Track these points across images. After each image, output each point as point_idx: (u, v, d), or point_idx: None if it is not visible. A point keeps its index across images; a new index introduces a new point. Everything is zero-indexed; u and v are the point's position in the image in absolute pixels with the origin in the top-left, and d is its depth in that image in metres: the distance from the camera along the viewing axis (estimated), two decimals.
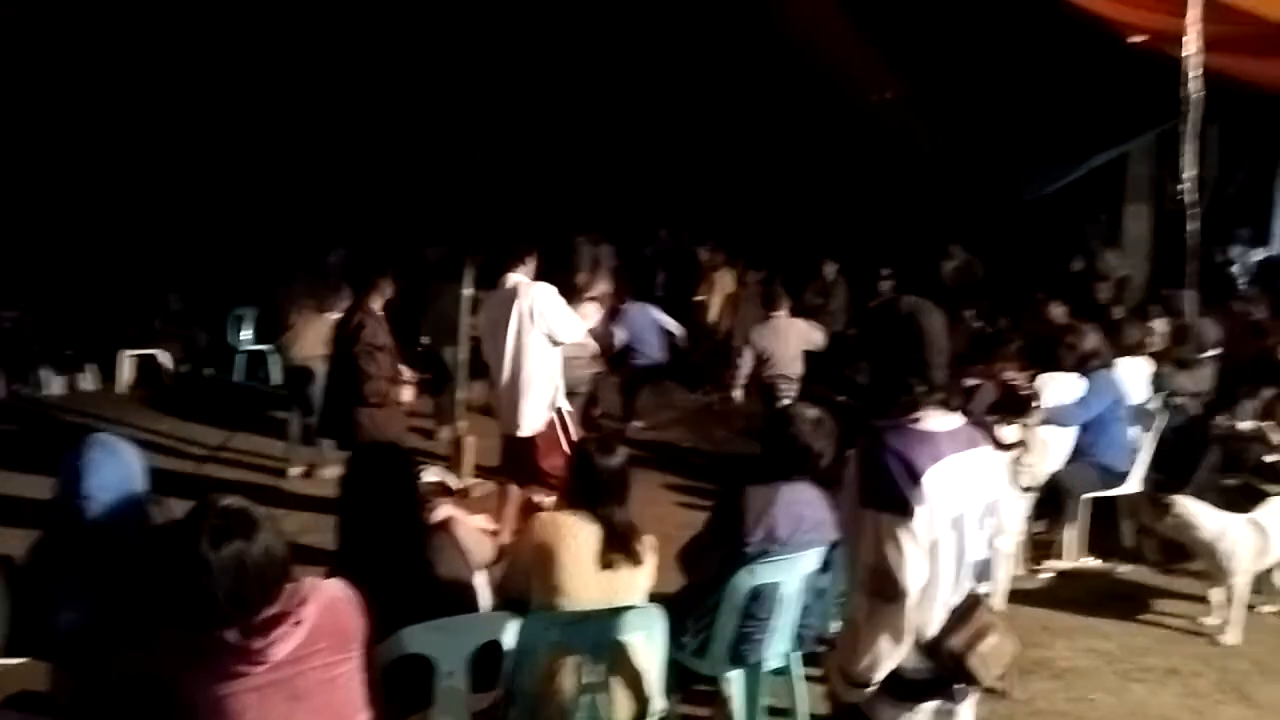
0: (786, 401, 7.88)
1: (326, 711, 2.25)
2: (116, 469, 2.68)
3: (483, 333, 5.66)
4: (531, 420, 5.36)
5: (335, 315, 6.53)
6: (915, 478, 2.03)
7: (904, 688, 2.16)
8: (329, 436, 6.00)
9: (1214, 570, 4.65)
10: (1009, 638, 2.16)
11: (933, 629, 2.12)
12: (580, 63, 12.12)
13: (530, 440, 5.38)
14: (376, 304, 5.72)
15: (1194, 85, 4.81)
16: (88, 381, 9.57)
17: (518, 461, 5.46)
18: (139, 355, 9.65)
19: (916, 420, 2.13)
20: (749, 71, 11.49)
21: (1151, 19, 5.76)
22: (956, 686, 2.16)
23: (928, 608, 2.10)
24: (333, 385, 5.69)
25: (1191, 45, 4.69)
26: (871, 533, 2.08)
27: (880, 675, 2.12)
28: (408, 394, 5.86)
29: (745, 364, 7.62)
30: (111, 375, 9.55)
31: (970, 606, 2.14)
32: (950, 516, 2.07)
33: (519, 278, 5.43)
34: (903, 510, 2.03)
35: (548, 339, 5.34)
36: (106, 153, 11.32)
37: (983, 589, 2.21)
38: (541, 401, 5.38)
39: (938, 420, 2.15)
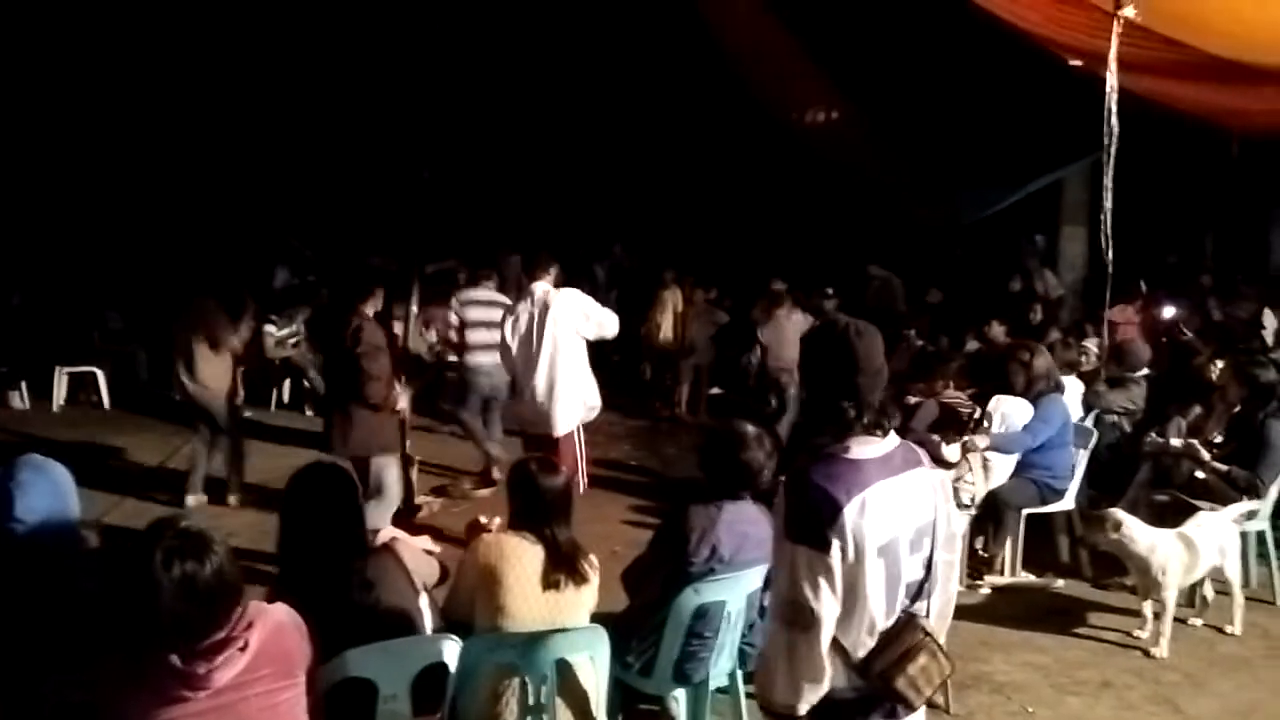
0: (790, 393, 8.03)
1: None
2: (48, 491, 2.61)
3: (509, 340, 5.80)
4: (569, 420, 5.72)
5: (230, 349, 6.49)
6: (835, 511, 2.04)
7: (837, 712, 2.13)
8: (328, 443, 5.65)
9: (1145, 584, 4.78)
10: (940, 658, 2.15)
11: (863, 651, 2.12)
12: (532, 82, 12.17)
13: (558, 440, 5.68)
14: (370, 310, 5.69)
15: (1115, 118, 4.96)
16: (19, 399, 9.32)
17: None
18: (75, 373, 9.42)
19: (846, 449, 2.13)
20: (695, 91, 11.62)
21: (1085, 42, 5.93)
22: (891, 707, 2.15)
23: (856, 634, 2.11)
24: (330, 389, 5.62)
25: (1113, 77, 4.83)
26: (789, 564, 2.09)
27: (802, 706, 2.10)
28: (404, 401, 5.82)
29: (755, 358, 8.29)
30: (45, 393, 9.31)
31: (901, 628, 2.14)
32: (878, 544, 2.07)
33: (545, 286, 5.76)
34: (819, 545, 2.04)
35: (582, 338, 5.73)
36: (45, 167, 11.11)
37: (919, 608, 2.20)
38: (578, 401, 5.75)
39: (868, 447, 2.15)
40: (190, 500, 6.51)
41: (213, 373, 6.47)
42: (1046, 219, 11.31)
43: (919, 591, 2.20)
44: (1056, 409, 5.49)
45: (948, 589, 2.32)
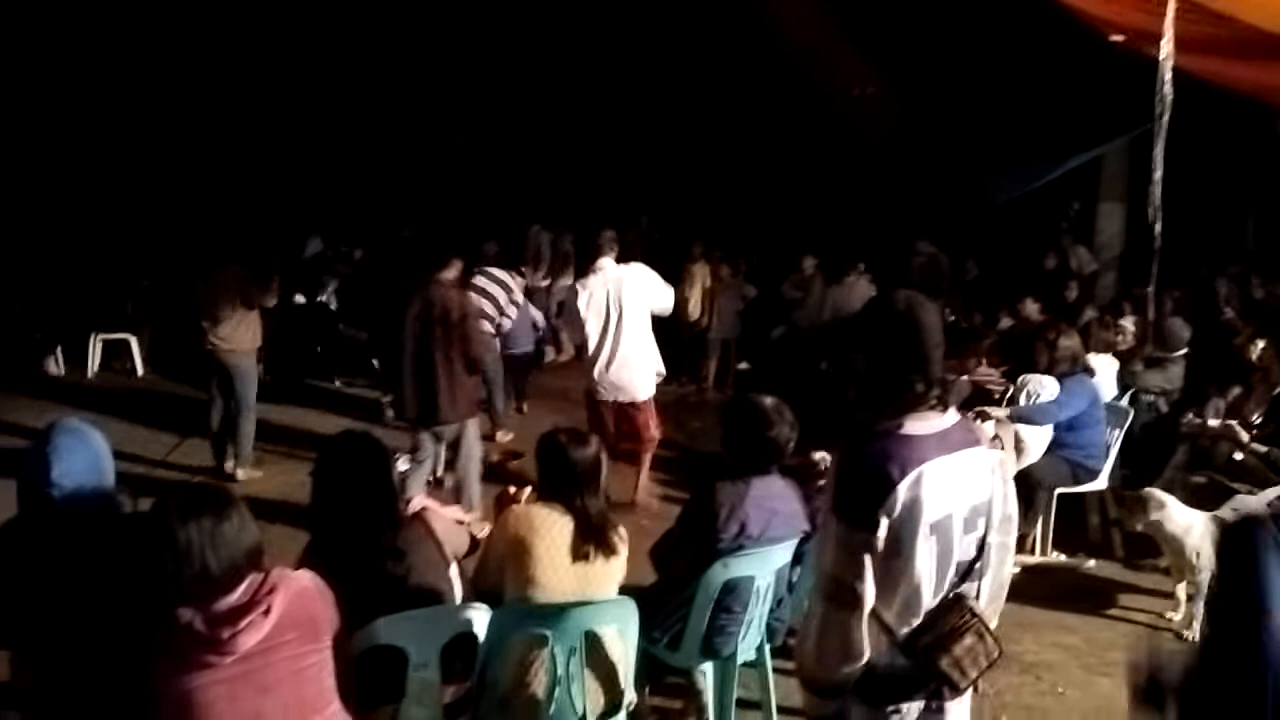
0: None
1: (296, 704, 2.23)
2: (84, 456, 2.63)
3: (584, 315, 6.02)
4: (648, 387, 6.16)
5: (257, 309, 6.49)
6: (887, 489, 2.01)
7: (880, 689, 2.12)
8: (421, 414, 5.61)
9: (1180, 565, 4.72)
10: (987, 640, 2.11)
11: (907, 628, 2.10)
12: (564, 54, 12.08)
13: (640, 406, 6.14)
14: (449, 276, 5.77)
15: (1168, 86, 4.84)
16: (56, 365, 9.44)
17: (623, 427, 6.15)
18: (109, 339, 9.52)
19: (900, 425, 2.09)
20: (731, 64, 11.49)
21: (1131, 17, 5.79)
22: (935, 687, 2.12)
23: (901, 610, 2.09)
24: (421, 360, 5.50)
25: (1167, 45, 4.71)
26: (835, 540, 2.08)
27: (841, 681, 2.09)
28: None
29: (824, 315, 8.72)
30: (81, 359, 9.42)
31: (949, 607, 2.11)
32: (930, 521, 2.04)
33: (609, 261, 6.08)
34: (865, 524, 2.02)
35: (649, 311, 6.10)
36: (83, 135, 11.20)
37: (969, 589, 2.16)
38: (653, 370, 6.19)
39: (925, 422, 2.11)
40: (227, 466, 6.60)
41: (238, 335, 6.46)
42: (1083, 195, 11.12)
43: (969, 572, 2.16)
44: (1083, 389, 5.43)
45: (1000, 573, 2.27)
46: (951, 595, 2.13)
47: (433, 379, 5.45)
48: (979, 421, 5.03)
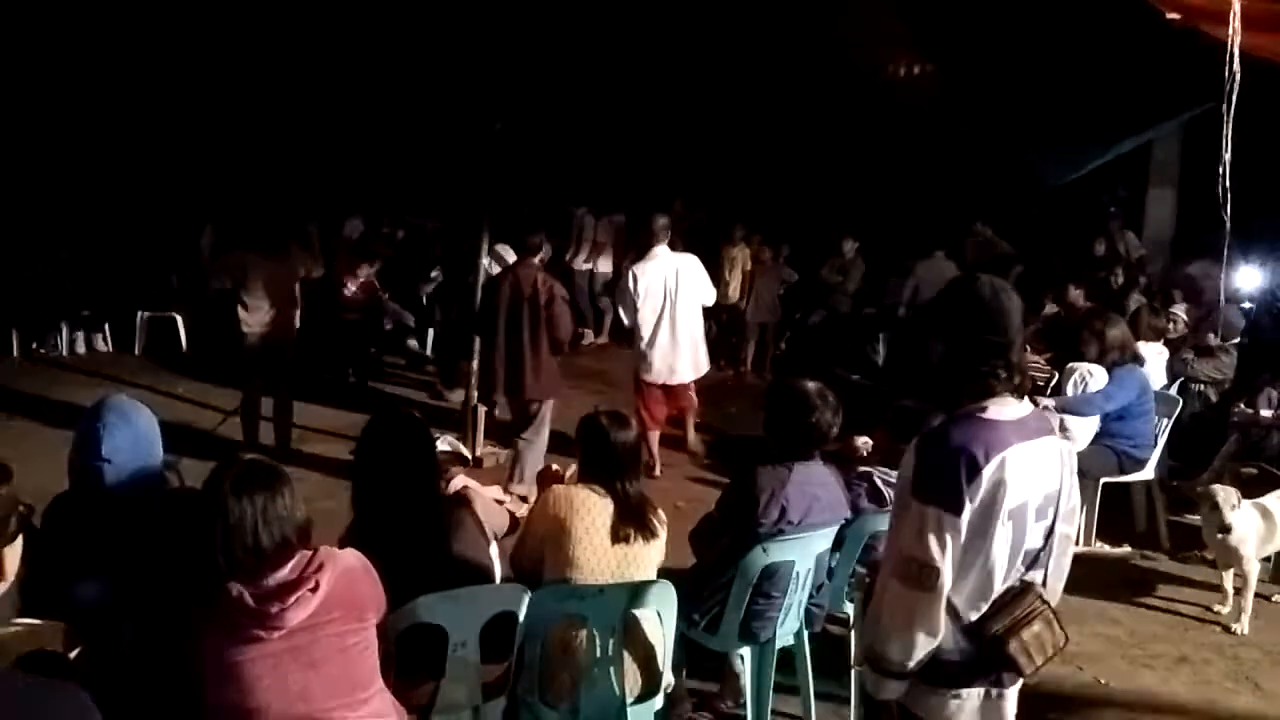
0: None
1: (342, 680, 2.26)
2: (133, 432, 2.66)
3: (640, 299, 6.32)
4: (696, 370, 6.55)
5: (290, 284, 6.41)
6: (973, 473, 2.01)
7: (943, 673, 2.12)
8: (508, 390, 5.87)
9: (1224, 555, 4.62)
10: (1055, 627, 2.12)
11: (974, 614, 2.10)
12: (601, 34, 12.03)
13: (687, 386, 6.56)
14: (539, 260, 5.95)
15: (1237, 64, 4.70)
16: (103, 342, 9.61)
17: (669, 406, 6.60)
18: (155, 317, 9.68)
19: (984, 409, 2.09)
20: (771, 44, 11.37)
21: None
22: (999, 673, 2.13)
23: (971, 596, 2.09)
24: (511, 338, 5.73)
25: (1235, 21, 4.56)
26: (916, 523, 2.06)
27: (913, 664, 2.09)
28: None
29: (906, 292, 8.88)
30: (128, 337, 9.58)
31: (1019, 593, 2.11)
32: (1009, 508, 2.04)
33: (664, 248, 6.40)
34: (952, 507, 2.02)
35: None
36: (133, 116, 11.35)
37: (1034, 576, 2.17)
38: (703, 352, 6.60)
39: (1009, 408, 2.11)
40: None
41: (274, 318, 6.39)
42: (1132, 180, 10.90)
43: (1035, 560, 2.17)
44: (1132, 379, 5.32)
45: (1062, 562, 2.28)
46: (1019, 582, 2.14)
47: (520, 357, 5.68)
48: None
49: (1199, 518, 4.66)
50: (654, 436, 6.51)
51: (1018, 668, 2.10)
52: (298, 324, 6.62)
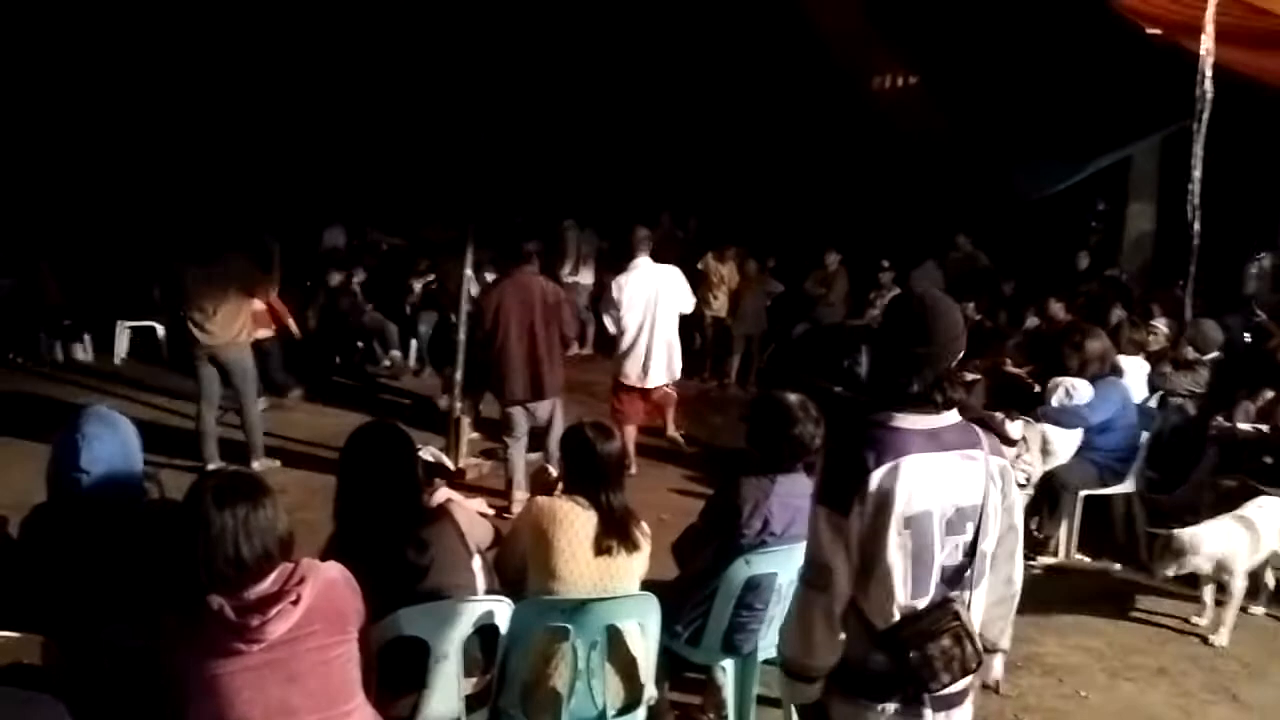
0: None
1: (322, 693, 2.24)
2: (113, 443, 2.65)
3: (625, 308, 6.56)
4: (674, 372, 6.84)
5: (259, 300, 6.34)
6: (860, 476, 2.04)
7: (860, 683, 2.14)
8: (531, 391, 5.95)
9: (1214, 571, 4.62)
10: (966, 645, 2.08)
11: (884, 623, 2.09)
12: (586, 48, 12.06)
13: (664, 388, 6.85)
14: (532, 270, 6.03)
15: (1209, 81, 4.76)
16: (83, 352, 9.54)
17: (647, 408, 6.92)
18: (136, 326, 9.61)
19: (890, 418, 2.10)
20: (755, 58, 11.44)
21: (1171, 9, 5.69)
22: (912, 688, 2.10)
23: (877, 603, 2.09)
24: (526, 342, 5.85)
25: (1208, 40, 4.63)
26: (813, 523, 2.13)
27: (814, 665, 2.14)
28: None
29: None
30: (108, 346, 9.52)
31: (934, 608, 2.09)
32: (903, 514, 2.04)
33: (646, 259, 6.62)
34: (839, 507, 2.07)
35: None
36: (113, 125, 11.29)
37: (961, 596, 2.13)
38: (678, 357, 6.84)
39: (915, 418, 2.10)
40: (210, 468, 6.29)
41: (232, 326, 6.26)
42: (1112, 195, 11.01)
43: (958, 579, 2.13)
44: (1114, 391, 5.36)
45: (1001, 584, 2.24)
46: (942, 599, 2.11)
47: (536, 358, 5.85)
48: (1007, 421, 4.99)
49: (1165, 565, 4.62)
50: (630, 433, 6.69)
51: (921, 679, 2.08)
52: (246, 334, 6.46)
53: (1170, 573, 4.61)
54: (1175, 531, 4.57)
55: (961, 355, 2.21)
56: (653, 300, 6.56)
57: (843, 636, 2.12)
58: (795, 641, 2.16)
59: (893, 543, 2.05)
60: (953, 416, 2.15)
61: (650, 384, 6.71)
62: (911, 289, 2.33)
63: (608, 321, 6.70)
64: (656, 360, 6.65)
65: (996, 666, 2.30)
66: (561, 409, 6.16)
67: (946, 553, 2.11)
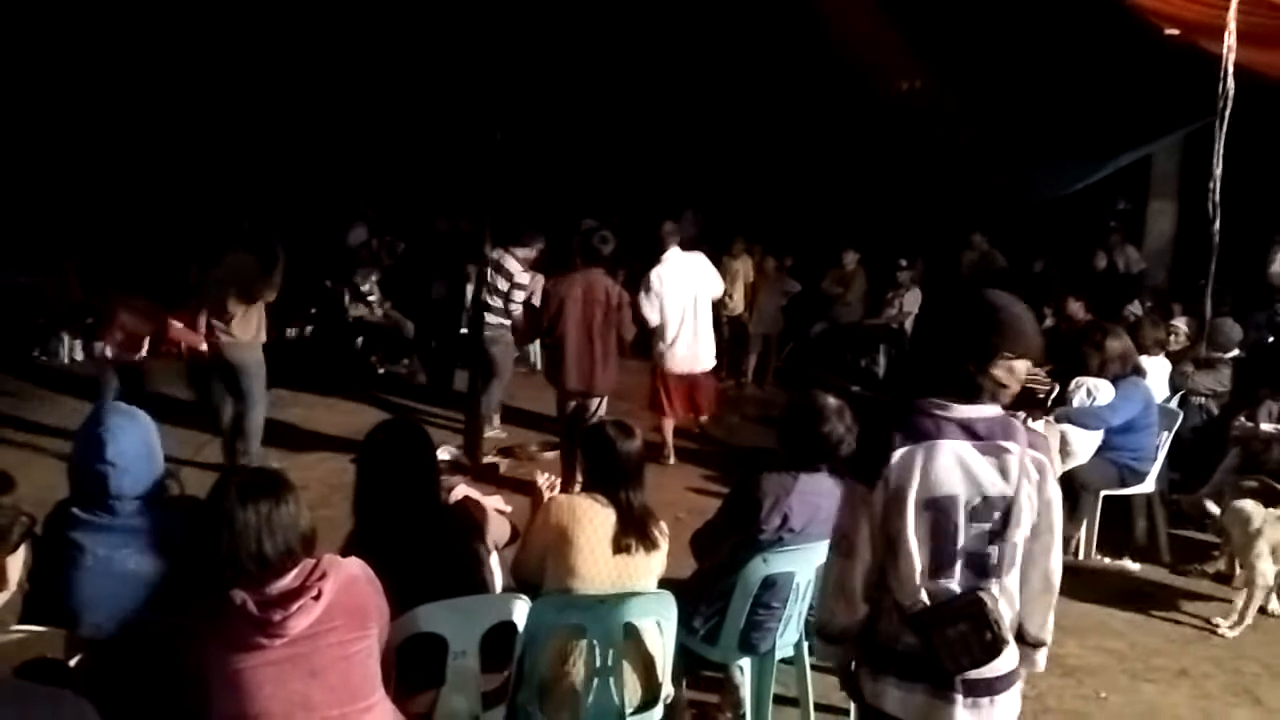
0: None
1: (342, 689, 2.25)
2: (136, 438, 2.66)
3: (665, 297, 6.73)
4: (711, 360, 7.10)
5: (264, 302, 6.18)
6: (885, 453, 2.15)
7: (884, 660, 2.22)
8: (583, 384, 6.12)
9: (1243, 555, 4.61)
10: (985, 633, 2.10)
11: (911, 602, 2.15)
12: (604, 45, 12.06)
13: (708, 373, 7.12)
14: (603, 270, 6.17)
15: (1230, 80, 4.72)
16: (105, 350, 9.59)
17: (688, 394, 7.06)
18: None
19: (932, 404, 2.18)
20: (773, 57, 11.40)
21: (1191, 9, 5.65)
22: (941, 672, 2.13)
23: (903, 582, 2.16)
24: (584, 337, 6.05)
25: (1230, 38, 4.59)
26: (844, 494, 2.28)
27: (831, 624, 2.27)
28: None
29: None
30: None
31: (960, 596, 2.14)
32: (925, 496, 2.12)
33: (676, 250, 6.89)
34: (865, 479, 2.19)
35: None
36: (133, 122, 11.37)
37: (989, 584, 2.16)
38: (713, 346, 7.11)
39: (957, 408, 2.17)
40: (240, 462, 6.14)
41: (244, 327, 6.18)
42: (1133, 193, 10.92)
43: (984, 565, 2.17)
44: (1136, 391, 5.31)
45: (1039, 579, 2.25)
46: (968, 586, 2.16)
47: (591, 353, 6.05)
48: (1029, 420, 4.95)
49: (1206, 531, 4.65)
50: (669, 425, 6.96)
51: (939, 661, 2.12)
52: (262, 335, 6.34)
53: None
54: (1238, 503, 4.67)
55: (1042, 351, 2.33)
56: (692, 286, 6.82)
57: (864, 606, 2.22)
58: (823, 607, 2.32)
59: (912, 522, 2.13)
60: (996, 410, 2.21)
61: (699, 367, 6.96)
62: (985, 289, 2.38)
63: (648, 312, 6.72)
64: (702, 344, 6.92)
65: (1039, 660, 2.32)
66: (606, 408, 6.25)
67: (970, 539, 2.16)
